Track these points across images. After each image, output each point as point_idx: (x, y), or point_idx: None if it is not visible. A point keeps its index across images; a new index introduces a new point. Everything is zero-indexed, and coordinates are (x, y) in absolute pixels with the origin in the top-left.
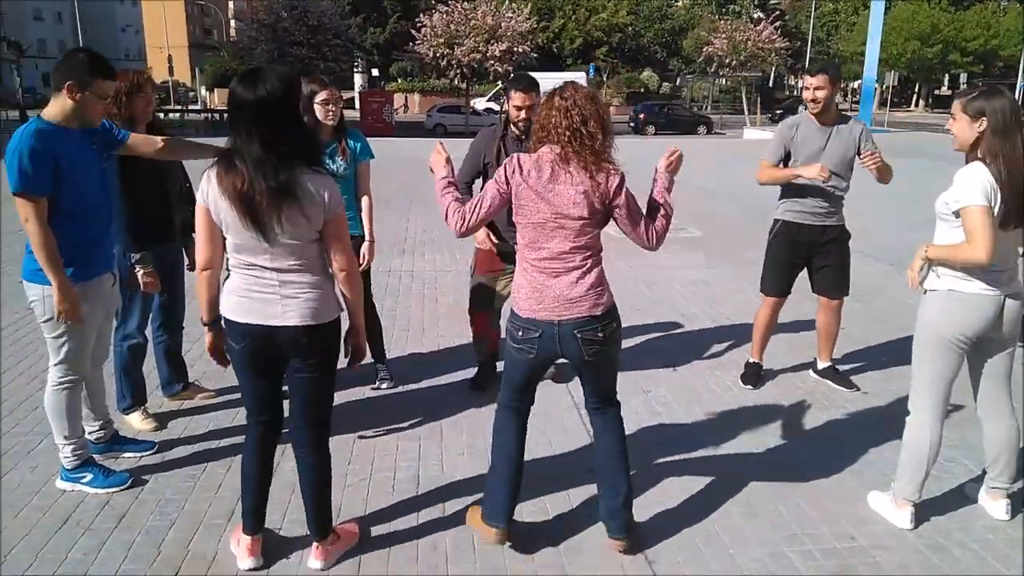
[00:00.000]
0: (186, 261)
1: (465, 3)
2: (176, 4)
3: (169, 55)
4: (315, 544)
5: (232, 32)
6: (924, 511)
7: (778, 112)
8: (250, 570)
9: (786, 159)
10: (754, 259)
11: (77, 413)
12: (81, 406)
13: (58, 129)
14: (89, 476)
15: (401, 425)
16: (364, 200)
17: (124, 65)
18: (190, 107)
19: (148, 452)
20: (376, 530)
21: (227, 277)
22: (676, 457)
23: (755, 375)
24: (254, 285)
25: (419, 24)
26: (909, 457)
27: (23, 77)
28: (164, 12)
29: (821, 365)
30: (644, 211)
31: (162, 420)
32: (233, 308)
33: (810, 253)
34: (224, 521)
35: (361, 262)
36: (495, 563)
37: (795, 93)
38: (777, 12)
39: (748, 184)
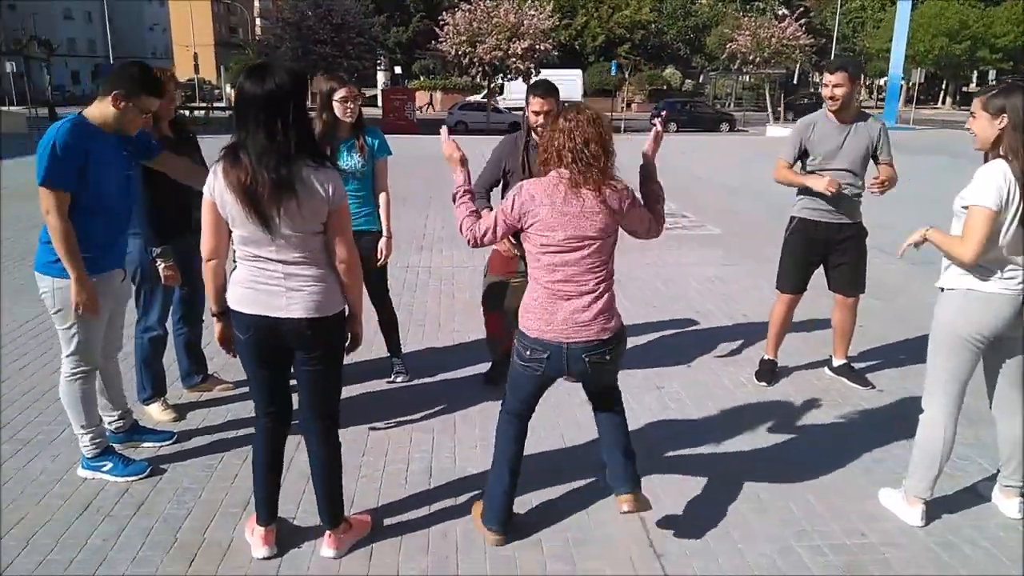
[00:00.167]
0: None
1: (488, 1)
2: (203, 3)
3: (195, 53)
4: (328, 533)
5: (258, 30)
6: (936, 509)
7: (778, 110)
8: (264, 558)
9: (803, 157)
10: (773, 256)
11: (92, 403)
12: (96, 396)
13: (95, 129)
14: (109, 465)
15: (415, 418)
16: (382, 196)
17: (151, 63)
18: (215, 104)
19: (167, 442)
20: (388, 520)
21: (235, 268)
22: (687, 452)
23: (770, 372)
24: (260, 277)
25: (442, 22)
26: (922, 455)
27: (52, 75)
28: (191, 11)
29: (836, 363)
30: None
31: (181, 411)
32: (239, 299)
33: (826, 250)
34: (240, 510)
35: (379, 257)
36: (504, 553)
37: (817, 91)
38: (802, 8)
39: (770, 181)
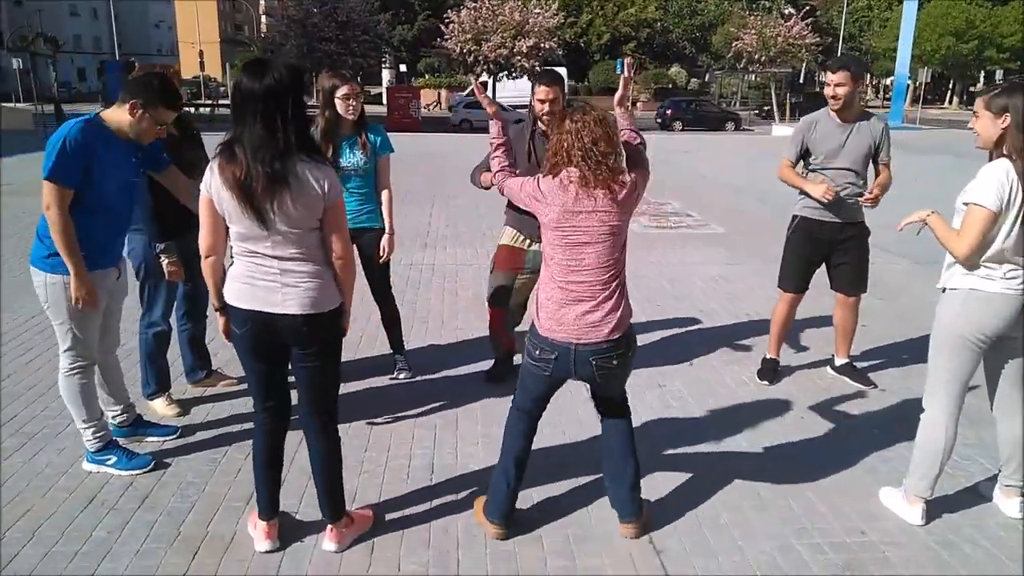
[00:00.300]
0: None
1: None
2: (208, 1)
3: (201, 51)
4: (329, 527)
5: (263, 28)
6: (937, 508)
7: (765, 109)
8: (266, 552)
9: (806, 156)
10: (778, 256)
11: (92, 397)
12: (95, 390)
13: (108, 132)
14: (114, 459)
15: (417, 414)
16: (384, 193)
17: (157, 60)
18: (220, 102)
19: (171, 436)
20: (390, 515)
21: (231, 264)
22: (688, 449)
23: (771, 371)
24: (256, 272)
25: (447, 20)
26: (923, 455)
27: (59, 72)
28: (196, 8)
29: (839, 362)
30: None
31: (185, 406)
32: (236, 294)
33: (828, 250)
34: (243, 504)
35: (381, 254)
36: (505, 548)
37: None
38: (808, 8)
39: (775, 181)
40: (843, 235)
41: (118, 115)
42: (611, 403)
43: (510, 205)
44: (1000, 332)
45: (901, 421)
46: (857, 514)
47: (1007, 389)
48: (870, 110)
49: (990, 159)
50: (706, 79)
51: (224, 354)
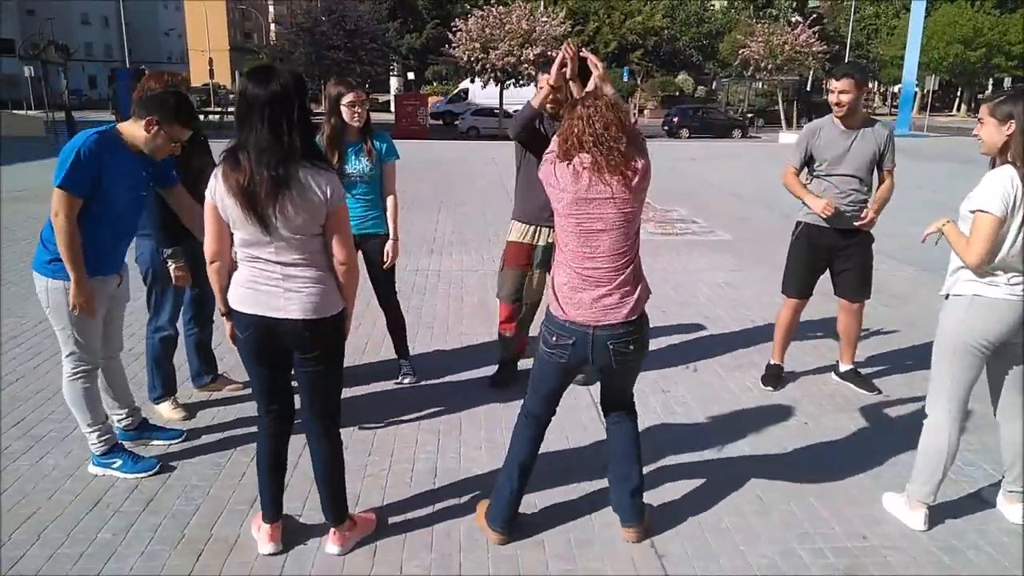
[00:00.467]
0: None
1: (500, 7)
2: (218, 9)
3: (210, 58)
4: (332, 530)
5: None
6: (940, 514)
7: (747, 116)
8: (270, 555)
9: (810, 162)
10: (784, 263)
11: (95, 401)
12: (99, 394)
13: (122, 145)
14: (119, 462)
15: (421, 418)
16: (389, 200)
17: (167, 68)
18: (229, 109)
19: (176, 440)
20: (393, 519)
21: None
22: (691, 455)
23: (775, 377)
24: (259, 277)
25: (455, 28)
26: (925, 460)
27: (70, 80)
28: (206, 17)
29: (843, 368)
30: None
31: (191, 410)
32: (239, 299)
33: (832, 256)
34: (247, 507)
35: (385, 259)
36: (506, 553)
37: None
38: (815, 15)
39: (781, 188)
40: (847, 241)
41: (134, 129)
42: (620, 404)
43: (518, 190)
44: (1003, 338)
45: (905, 427)
46: (859, 519)
47: (1010, 395)
48: (876, 117)
49: (992, 166)
50: (713, 87)
51: (230, 359)
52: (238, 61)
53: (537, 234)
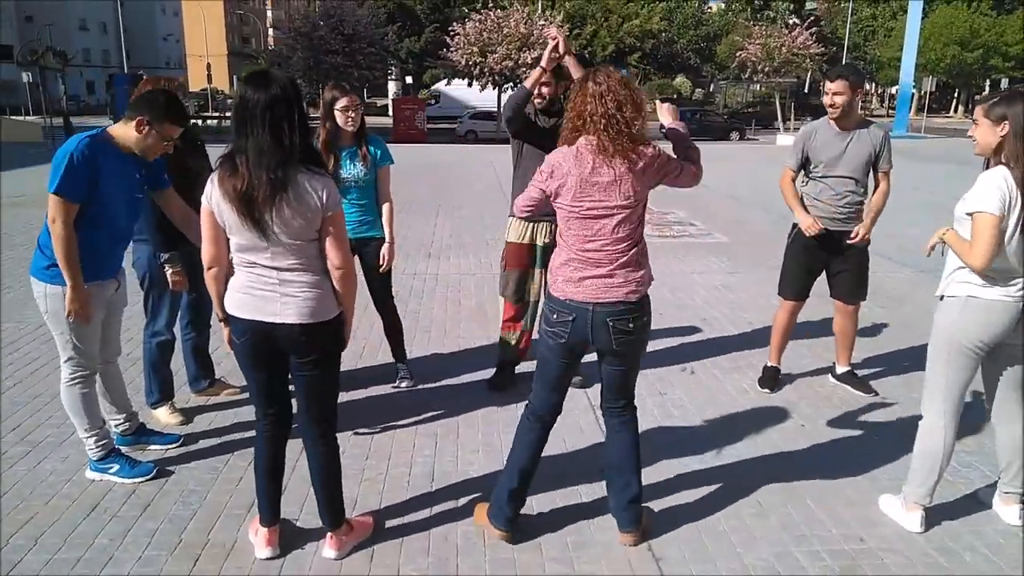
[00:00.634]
0: None
1: (498, 12)
2: (216, 14)
3: (208, 63)
4: (329, 534)
5: (270, 41)
6: (936, 515)
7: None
8: (267, 559)
9: (807, 164)
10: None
11: (93, 406)
12: (97, 399)
13: (113, 147)
14: (116, 467)
15: (418, 422)
16: (385, 205)
17: (165, 73)
18: (227, 114)
19: (173, 445)
20: (390, 522)
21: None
22: (688, 457)
23: (772, 379)
24: (256, 283)
25: (452, 32)
26: (921, 462)
27: (68, 85)
28: (204, 22)
29: (840, 370)
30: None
31: (188, 415)
32: (236, 304)
33: (828, 257)
34: (244, 512)
35: (381, 263)
36: (504, 556)
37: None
38: (813, 17)
39: (778, 191)
40: (842, 243)
41: (125, 131)
42: (620, 404)
43: (515, 185)
44: (998, 339)
45: (901, 429)
46: (856, 521)
47: (1006, 396)
48: (873, 119)
49: (986, 167)
50: (711, 89)
51: (227, 363)
52: (236, 66)
53: (535, 232)
